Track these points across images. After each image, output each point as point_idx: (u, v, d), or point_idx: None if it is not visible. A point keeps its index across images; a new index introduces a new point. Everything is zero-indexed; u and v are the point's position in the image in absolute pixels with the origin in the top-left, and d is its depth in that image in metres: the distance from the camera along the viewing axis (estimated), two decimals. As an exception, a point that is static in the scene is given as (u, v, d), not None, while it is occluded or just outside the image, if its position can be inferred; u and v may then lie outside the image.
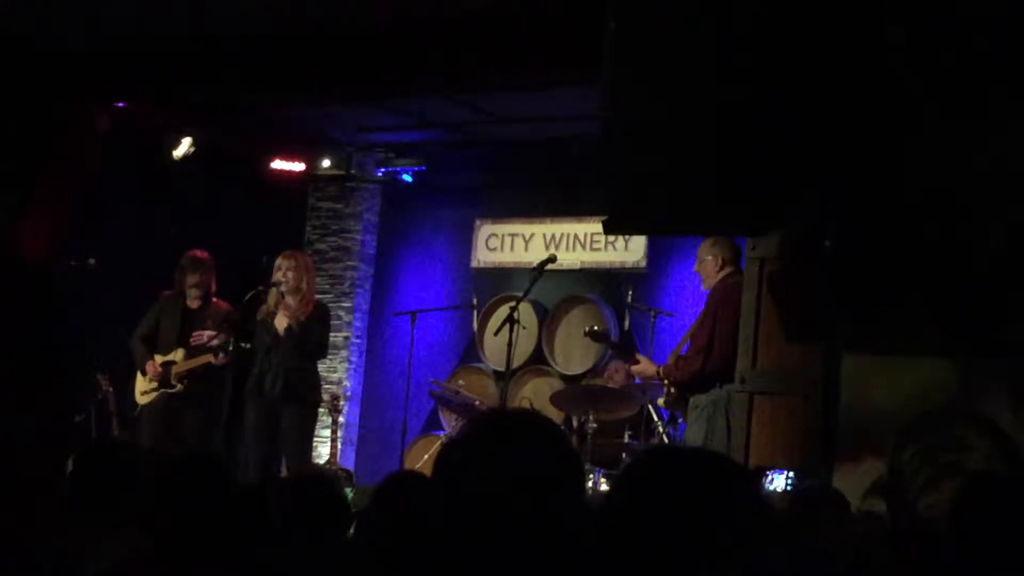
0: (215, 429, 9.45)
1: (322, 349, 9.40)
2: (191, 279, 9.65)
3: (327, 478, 4.92)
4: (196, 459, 4.13)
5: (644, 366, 8.57)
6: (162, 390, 9.53)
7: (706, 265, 8.36)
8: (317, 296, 9.81)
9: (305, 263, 9.43)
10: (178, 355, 9.54)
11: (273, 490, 4.26)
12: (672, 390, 8.34)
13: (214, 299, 9.72)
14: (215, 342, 9.25)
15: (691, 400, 8.11)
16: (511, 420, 2.62)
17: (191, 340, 9.44)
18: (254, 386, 9.14)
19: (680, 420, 8.60)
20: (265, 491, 4.25)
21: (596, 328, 9.61)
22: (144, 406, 9.59)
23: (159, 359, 9.57)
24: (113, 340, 10.07)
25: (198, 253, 9.73)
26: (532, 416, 2.67)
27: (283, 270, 9.19)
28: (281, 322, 9.17)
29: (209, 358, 9.36)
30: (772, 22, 5.67)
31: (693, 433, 8.04)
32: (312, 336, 9.19)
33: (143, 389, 9.60)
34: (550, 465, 2.41)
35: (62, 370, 8.67)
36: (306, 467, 8.96)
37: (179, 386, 9.49)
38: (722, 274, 8.28)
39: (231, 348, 9.19)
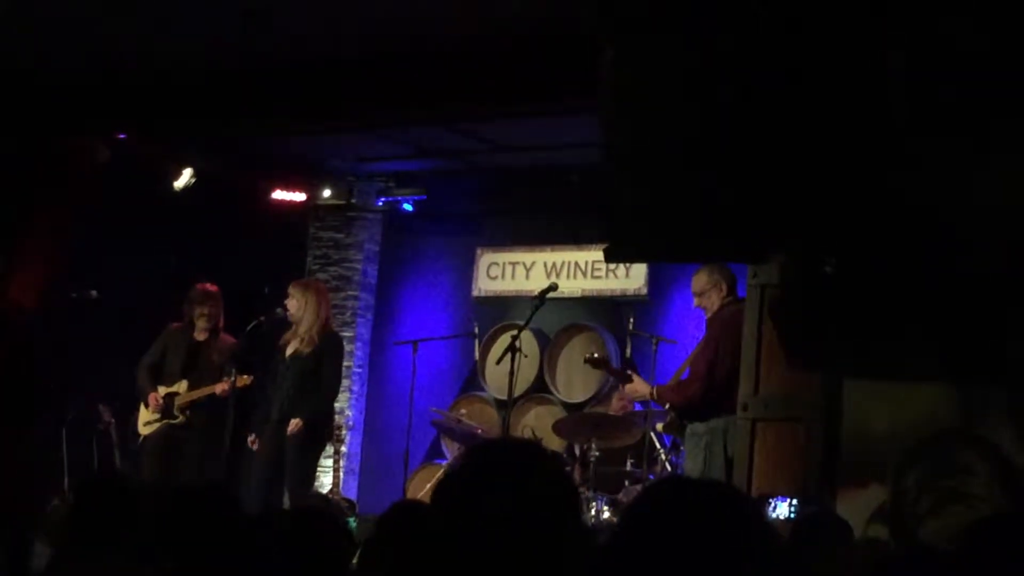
0: (217, 460, 9.44)
1: (328, 395, 9.39)
2: (199, 311, 9.67)
3: (327, 510, 4.92)
4: (205, 490, 4.13)
5: (637, 384, 8.54)
6: (165, 421, 9.54)
7: (709, 296, 8.37)
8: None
9: (309, 293, 9.41)
10: (182, 386, 9.55)
11: (273, 523, 4.25)
12: (673, 414, 8.36)
13: (221, 333, 9.73)
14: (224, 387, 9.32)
15: (688, 428, 8.12)
16: (504, 450, 2.62)
17: (219, 392, 9.42)
18: (263, 414, 9.19)
19: (682, 447, 8.60)
20: (265, 522, 4.25)
21: (596, 355, 9.62)
22: (146, 437, 9.60)
23: (163, 390, 9.57)
24: (114, 371, 10.07)
25: (208, 286, 9.75)
26: (525, 445, 2.68)
27: (288, 299, 9.26)
28: (290, 350, 9.23)
29: (212, 389, 9.39)
30: (770, 48, 5.69)
31: (691, 462, 8.03)
32: (320, 378, 9.21)
33: (146, 420, 9.60)
34: (544, 494, 2.41)
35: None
36: (304, 497, 8.94)
37: (181, 417, 9.50)
38: (726, 300, 8.29)
39: (234, 379, 9.21)
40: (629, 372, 8.83)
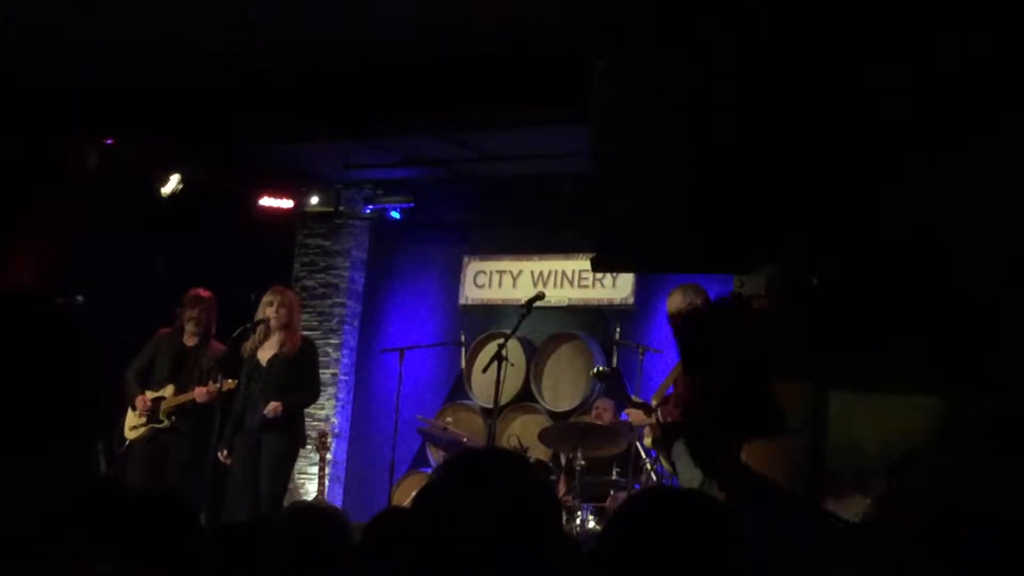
0: (203, 465, 9.42)
1: (316, 393, 9.47)
2: (188, 315, 9.66)
3: (331, 512, 4.91)
4: (159, 498, 4.12)
5: (638, 411, 8.58)
6: (151, 425, 9.52)
7: None
8: (305, 332, 9.84)
9: (293, 299, 9.49)
10: (168, 391, 9.53)
11: (274, 526, 4.25)
12: (657, 430, 8.38)
13: (212, 339, 9.72)
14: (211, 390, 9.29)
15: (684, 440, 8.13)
16: (485, 460, 2.63)
17: (197, 398, 9.40)
18: (236, 420, 9.16)
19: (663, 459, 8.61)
20: (257, 528, 4.25)
21: (604, 369, 9.67)
22: (132, 441, 9.58)
23: (150, 394, 9.56)
24: (100, 377, 10.02)
25: (200, 291, 9.76)
26: (506, 455, 2.69)
27: (274, 306, 9.23)
28: (264, 355, 9.20)
29: (194, 395, 9.36)
30: (766, 61, 5.71)
31: (689, 473, 8.03)
32: (306, 378, 9.23)
33: (132, 424, 9.59)
34: (525, 503, 2.42)
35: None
36: (277, 503, 8.93)
37: (167, 422, 9.48)
38: (706, 318, 8.34)
39: (220, 385, 9.21)
40: (636, 399, 8.86)
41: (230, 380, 9.24)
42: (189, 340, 9.70)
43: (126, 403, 9.65)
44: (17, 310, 1.81)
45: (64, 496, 1.76)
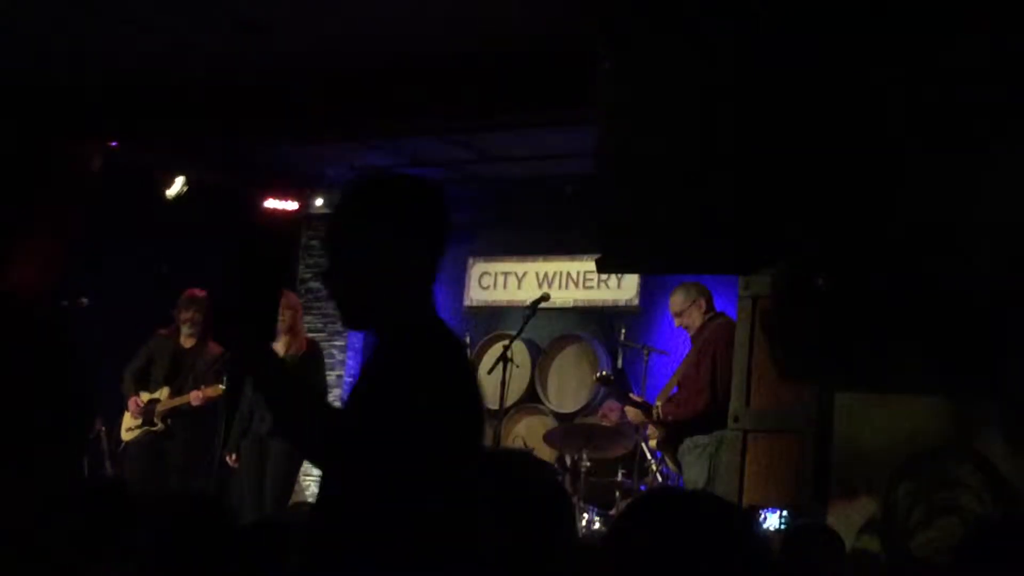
0: (203, 468, 9.39)
1: (326, 393, 9.48)
2: (184, 317, 9.64)
3: None
4: (193, 499, 4.12)
5: (639, 410, 8.59)
6: (145, 428, 9.49)
7: (689, 314, 8.43)
8: (310, 335, 9.83)
9: (296, 302, 9.48)
10: (163, 393, 9.50)
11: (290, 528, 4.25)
12: (661, 431, 8.38)
13: (210, 341, 9.69)
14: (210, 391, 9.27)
15: (688, 440, 8.14)
16: (500, 462, 2.63)
17: (192, 401, 9.38)
18: (244, 425, 9.14)
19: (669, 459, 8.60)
20: (263, 531, 4.24)
21: (606, 373, 9.68)
22: (128, 443, 9.56)
23: (145, 396, 9.54)
24: (104, 378, 10.05)
25: (195, 292, 9.73)
26: (523, 457, 2.68)
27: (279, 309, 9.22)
28: (275, 358, 9.20)
29: (188, 399, 9.33)
30: (769, 65, 5.71)
31: (693, 472, 8.04)
32: (315, 380, 9.22)
33: (128, 426, 9.56)
34: (541, 505, 2.41)
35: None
36: (282, 506, 8.92)
37: (160, 424, 9.44)
38: (708, 316, 8.36)
39: (224, 388, 9.18)
40: (636, 397, 8.86)
41: (219, 385, 9.19)
42: (186, 342, 9.67)
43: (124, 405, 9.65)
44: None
45: (45, 498, 1.75)
